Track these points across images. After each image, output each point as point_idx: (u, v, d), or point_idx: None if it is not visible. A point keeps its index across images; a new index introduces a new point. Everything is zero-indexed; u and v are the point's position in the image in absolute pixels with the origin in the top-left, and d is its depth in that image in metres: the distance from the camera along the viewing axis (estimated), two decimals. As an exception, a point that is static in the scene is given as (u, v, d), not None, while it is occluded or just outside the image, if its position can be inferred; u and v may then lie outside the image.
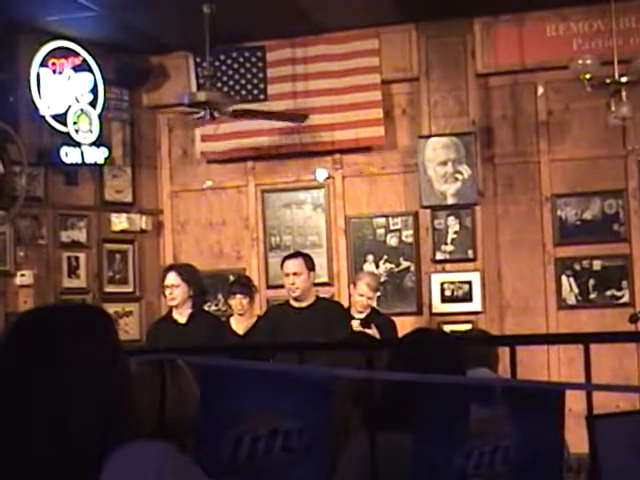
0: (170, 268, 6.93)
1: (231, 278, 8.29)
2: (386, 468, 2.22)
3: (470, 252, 7.92)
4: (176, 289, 6.63)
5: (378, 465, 2.22)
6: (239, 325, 7.21)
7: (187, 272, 6.75)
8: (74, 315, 1.68)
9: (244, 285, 7.52)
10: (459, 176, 7.91)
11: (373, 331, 6.48)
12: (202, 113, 6.97)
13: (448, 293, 7.93)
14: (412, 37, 8.19)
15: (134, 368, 1.80)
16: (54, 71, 7.98)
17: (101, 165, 8.28)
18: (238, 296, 7.29)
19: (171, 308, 6.76)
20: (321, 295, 7.15)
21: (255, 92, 8.38)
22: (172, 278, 6.66)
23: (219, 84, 8.14)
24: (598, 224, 7.91)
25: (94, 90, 8.20)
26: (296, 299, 6.72)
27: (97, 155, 8.15)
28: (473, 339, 3.97)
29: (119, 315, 8.31)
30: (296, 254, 7.03)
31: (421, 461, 2.11)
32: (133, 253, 8.69)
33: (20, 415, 1.57)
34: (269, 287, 8.45)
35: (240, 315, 7.27)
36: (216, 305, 8.48)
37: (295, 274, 6.70)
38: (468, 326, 7.57)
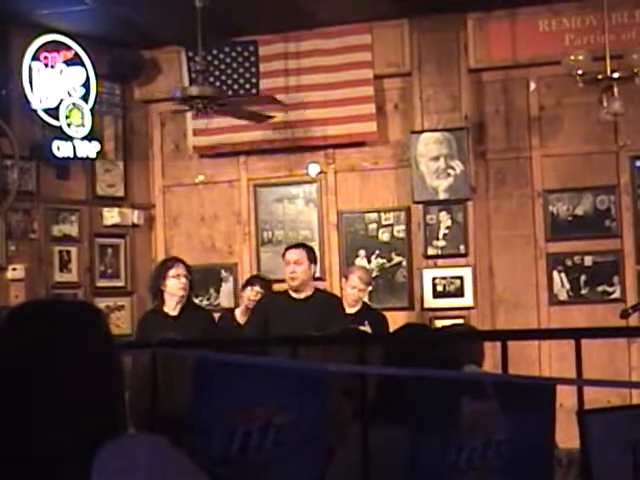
0: (178, 259, 6.92)
1: (222, 272, 8.34)
2: (380, 463, 2.22)
3: (462, 247, 7.92)
4: (186, 280, 6.66)
5: (372, 460, 2.22)
6: (243, 317, 7.15)
7: (188, 266, 6.78)
8: (69, 312, 1.67)
9: (264, 280, 7.51)
10: (451, 171, 7.91)
11: (366, 328, 6.48)
12: (195, 109, 6.96)
13: (440, 288, 7.93)
14: (405, 32, 8.18)
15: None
16: (46, 65, 7.96)
17: (93, 159, 8.27)
18: (256, 288, 7.28)
19: (162, 300, 6.72)
20: (320, 287, 7.11)
21: (247, 86, 8.37)
22: (183, 269, 6.68)
23: (211, 78, 8.12)
24: (590, 220, 7.92)
25: (86, 84, 8.18)
26: (295, 290, 6.63)
27: (89, 149, 8.13)
28: (463, 334, 3.97)
29: (110, 309, 8.30)
30: (299, 244, 7.02)
31: (416, 456, 2.11)
32: (125, 247, 8.68)
33: (20, 410, 1.57)
34: (261, 282, 8.44)
35: (248, 308, 7.18)
36: (207, 299, 8.48)
37: (296, 262, 6.62)
38: (460, 321, 7.56)
